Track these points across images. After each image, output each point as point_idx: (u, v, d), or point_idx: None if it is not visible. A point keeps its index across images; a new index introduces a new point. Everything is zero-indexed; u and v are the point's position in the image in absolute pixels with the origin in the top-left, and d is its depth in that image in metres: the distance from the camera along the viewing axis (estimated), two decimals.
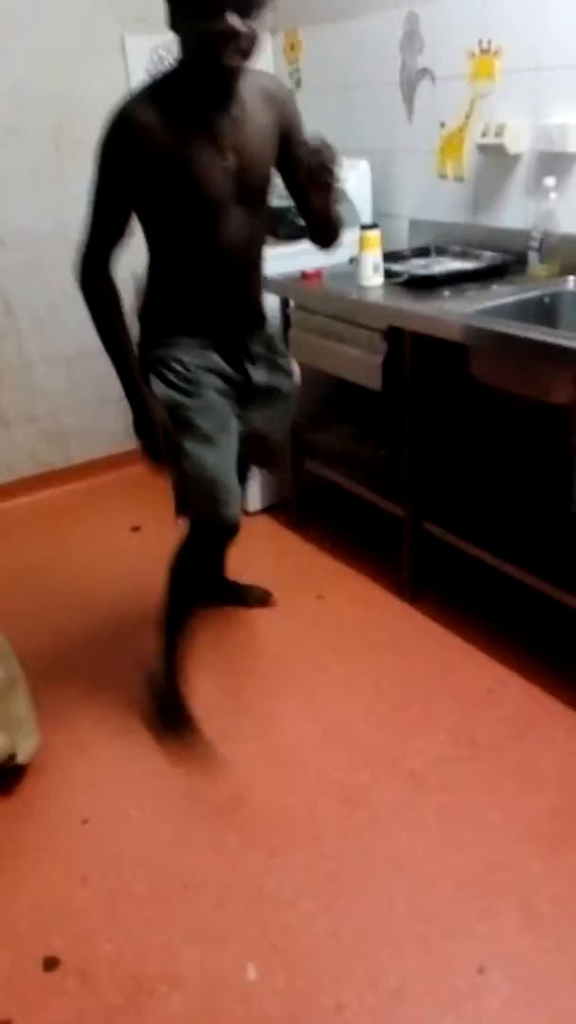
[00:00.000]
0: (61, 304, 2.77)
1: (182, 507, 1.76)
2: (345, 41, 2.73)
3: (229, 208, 1.60)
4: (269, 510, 2.90)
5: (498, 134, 2.24)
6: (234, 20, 1.39)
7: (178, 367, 1.71)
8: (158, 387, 1.71)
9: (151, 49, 2.82)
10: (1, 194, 2.69)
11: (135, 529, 2.85)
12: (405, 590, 2.35)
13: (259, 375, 1.84)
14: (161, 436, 1.70)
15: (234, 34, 1.40)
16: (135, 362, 1.68)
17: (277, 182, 1.75)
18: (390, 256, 2.32)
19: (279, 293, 2.41)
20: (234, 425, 1.76)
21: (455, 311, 1.93)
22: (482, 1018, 1.28)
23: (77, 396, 2.29)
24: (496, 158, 2.32)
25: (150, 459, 1.75)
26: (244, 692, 2.04)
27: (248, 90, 1.58)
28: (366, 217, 2.68)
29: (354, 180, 2.66)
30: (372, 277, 2.17)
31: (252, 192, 1.63)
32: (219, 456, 1.71)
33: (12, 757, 1.72)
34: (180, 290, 1.71)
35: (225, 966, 1.39)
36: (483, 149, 2.34)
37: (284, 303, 2.43)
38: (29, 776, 1.80)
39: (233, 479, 1.74)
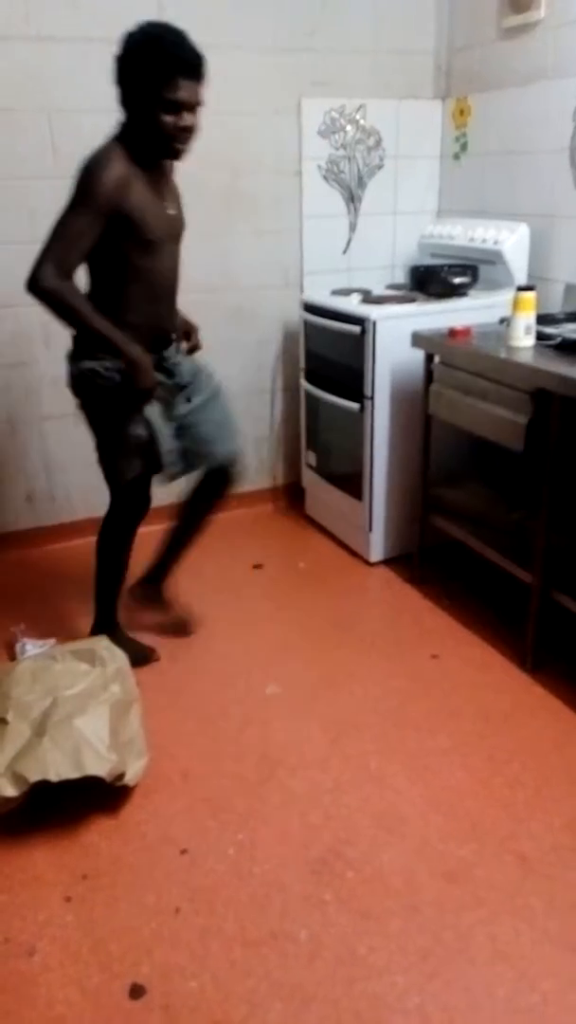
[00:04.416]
0: (218, 347, 2.86)
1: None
2: (514, 108, 2.76)
3: (166, 244, 2.03)
4: (390, 561, 2.88)
5: None
6: (191, 119, 1.80)
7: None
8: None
9: (325, 111, 2.95)
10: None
11: (257, 567, 2.90)
12: (527, 659, 2.26)
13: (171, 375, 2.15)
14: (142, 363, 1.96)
15: (192, 130, 1.83)
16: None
17: None
18: (543, 318, 2.28)
19: (425, 348, 2.42)
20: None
21: None
22: None
23: None
24: None
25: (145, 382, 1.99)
26: (350, 745, 2.00)
27: None
28: (521, 279, 2.66)
29: (511, 243, 2.66)
30: (523, 338, 2.15)
31: (179, 233, 2.08)
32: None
33: (121, 776, 1.75)
34: (119, 313, 1.99)
35: None
36: None
37: (428, 358, 2.43)
38: (135, 798, 1.83)
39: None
